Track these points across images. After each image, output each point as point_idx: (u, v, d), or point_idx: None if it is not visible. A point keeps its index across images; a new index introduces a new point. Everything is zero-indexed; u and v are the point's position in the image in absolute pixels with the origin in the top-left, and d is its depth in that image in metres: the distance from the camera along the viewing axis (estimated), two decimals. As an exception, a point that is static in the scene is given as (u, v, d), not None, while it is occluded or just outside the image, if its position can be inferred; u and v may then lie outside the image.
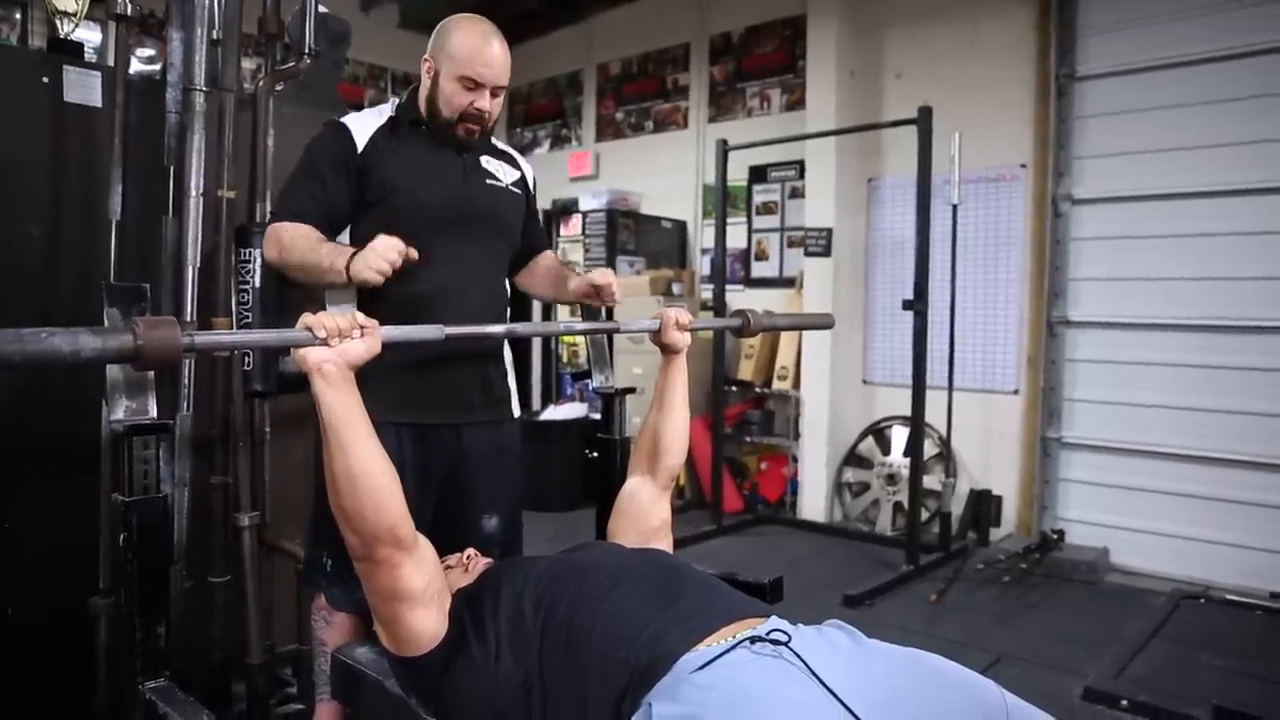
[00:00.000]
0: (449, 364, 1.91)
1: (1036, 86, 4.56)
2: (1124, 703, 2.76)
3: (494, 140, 2.11)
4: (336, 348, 1.38)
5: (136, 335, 1.17)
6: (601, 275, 1.94)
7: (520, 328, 1.78)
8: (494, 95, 1.91)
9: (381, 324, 1.50)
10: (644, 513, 1.83)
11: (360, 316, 1.43)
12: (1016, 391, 4.71)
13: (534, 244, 2.21)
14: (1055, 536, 4.32)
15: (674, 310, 1.94)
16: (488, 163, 2.03)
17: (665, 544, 1.82)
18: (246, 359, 2.23)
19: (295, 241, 1.78)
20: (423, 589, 1.43)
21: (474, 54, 1.84)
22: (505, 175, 2.05)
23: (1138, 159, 4.27)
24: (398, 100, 1.98)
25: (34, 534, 2.15)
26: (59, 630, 2.14)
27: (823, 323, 2.56)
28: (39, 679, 2.17)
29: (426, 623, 1.42)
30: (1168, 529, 4.21)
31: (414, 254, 1.69)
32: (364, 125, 1.90)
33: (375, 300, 1.77)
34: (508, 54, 1.90)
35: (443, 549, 1.74)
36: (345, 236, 1.90)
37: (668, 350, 1.95)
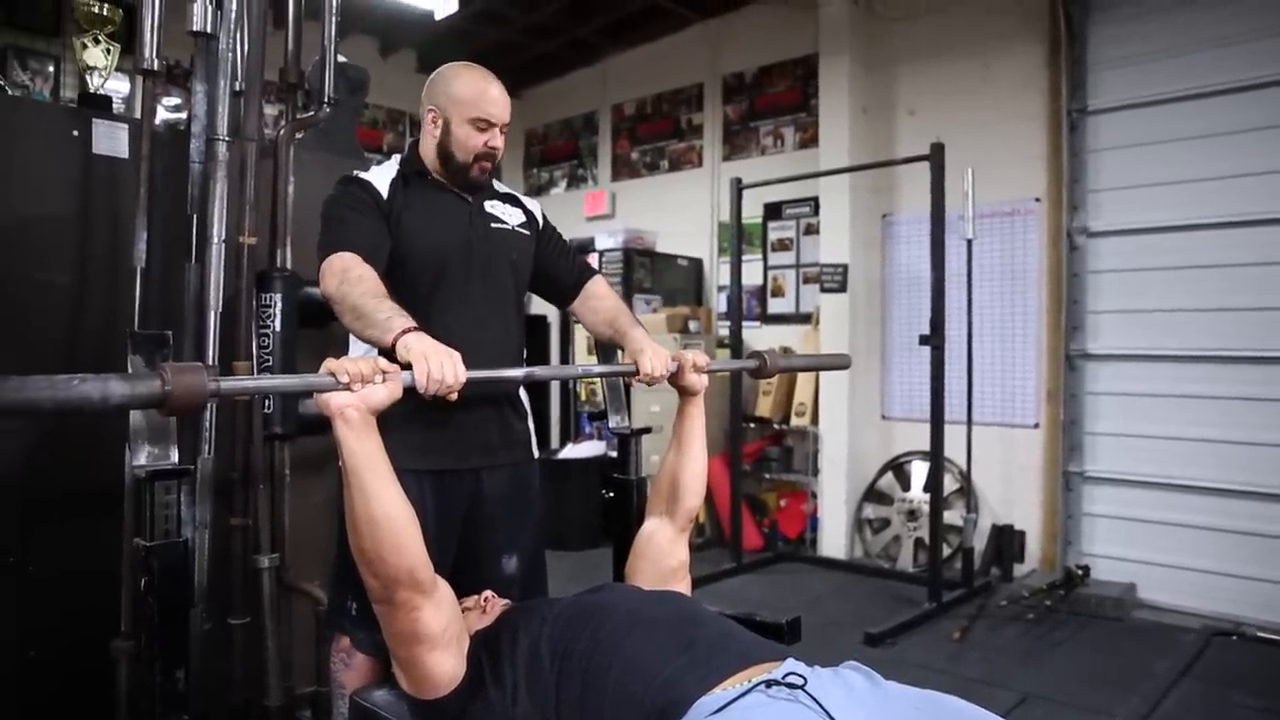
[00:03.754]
0: (468, 408, 1.91)
1: (1048, 121, 4.58)
2: (1154, 744, 2.70)
3: (495, 184, 2.13)
4: (359, 393, 1.38)
5: (165, 381, 1.18)
6: (646, 364, 1.88)
7: (539, 371, 1.79)
8: (501, 133, 1.97)
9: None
10: (662, 554, 1.83)
11: (382, 362, 1.43)
12: (1037, 425, 4.68)
13: (571, 274, 2.18)
14: (1080, 572, 4.25)
15: (691, 353, 1.95)
16: (492, 207, 2.05)
17: (684, 585, 1.82)
18: (266, 402, 2.26)
19: (360, 282, 1.70)
20: (441, 631, 1.44)
21: (480, 96, 1.92)
22: (511, 217, 2.07)
23: (1152, 191, 4.27)
24: (401, 157, 2.02)
25: (57, 577, 2.17)
26: (80, 673, 2.15)
27: (839, 363, 2.58)
28: (60, 723, 2.18)
29: (445, 665, 1.43)
30: (1196, 564, 4.13)
31: (454, 396, 1.53)
32: (381, 178, 1.94)
33: (390, 354, 1.75)
34: (506, 94, 1.97)
35: (463, 590, 1.74)
36: None
37: (685, 392, 1.95)
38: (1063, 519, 4.55)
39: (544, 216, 2.19)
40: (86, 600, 2.14)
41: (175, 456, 1.60)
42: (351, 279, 1.71)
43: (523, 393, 2.11)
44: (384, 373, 1.41)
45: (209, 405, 2.15)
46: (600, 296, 2.18)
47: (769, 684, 1.19)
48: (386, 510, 1.39)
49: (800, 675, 1.20)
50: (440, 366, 1.47)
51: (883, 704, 1.18)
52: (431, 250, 1.92)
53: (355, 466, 1.39)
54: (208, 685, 2.20)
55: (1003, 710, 1.22)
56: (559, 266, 2.17)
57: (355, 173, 1.96)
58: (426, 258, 1.91)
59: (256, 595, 2.32)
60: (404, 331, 1.55)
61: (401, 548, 1.39)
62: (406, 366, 1.48)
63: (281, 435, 2.30)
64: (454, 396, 1.51)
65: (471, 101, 1.91)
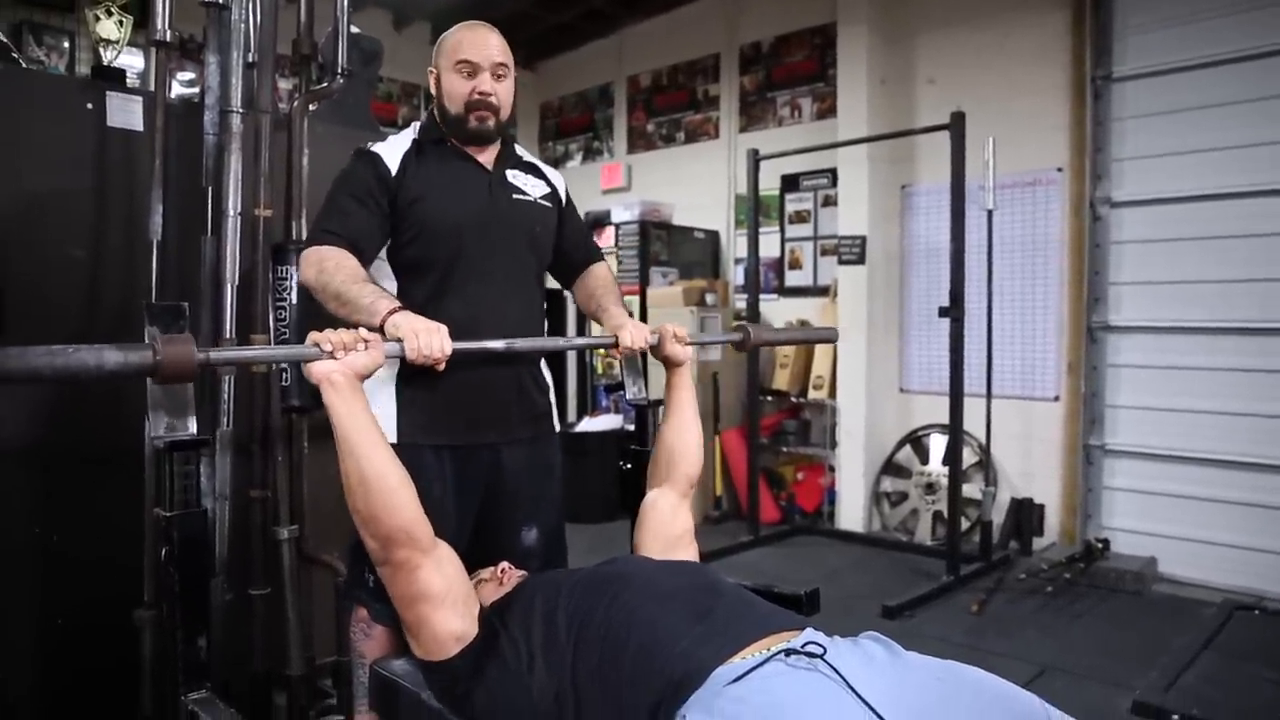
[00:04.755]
0: (488, 383, 1.91)
1: (1072, 89, 4.49)
2: (1175, 717, 2.69)
3: (520, 152, 2.10)
4: (342, 359, 1.47)
5: (156, 351, 1.26)
6: (626, 336, 1.96)
7: (519, 343, 1.81)
8: (497, 78, 1.90)
9: None
10: (664, 522, 1.84)
11: (363, 331, 1.52)
12: (1057, 398, 4.64)
13: (582, 255, 2.18)
14: (1100, 546, 4.22)
15: (670, 325, 2.02)
16: (514, 177, 2.01)
17: (690, 553, 1.81)
18: (284, 374, 2.26)
19: (339, 269, 1.74)
20: (444, 590, 1.46)
21: (463, 39, 1.89)
22: (533, 189, 2.03)
23: (1179, 160, 4.19)
24: (419, 124, 1.99)
25: (81, 547, 2.20)
26: (105, 642, 2.18)
27: (826, 337, 2.58)
28: (87, 690, 2.22)
29: (451, 623, 1.44)
30: (1218, 538, 4.10)
31: (442, 366, 1.64)
32: (393, 151, 1.90)
33: (381, 330, 1.79)
34: (502, 40, 1.91)
35: (484, 563, 1.76)
36: (385, 262, 1.91)
37: (669, 363, 2.02)
38: (1083, 492, 4.52)
39: (566, 192, 2.15)
40: (112, 570, 2.17)
41: (194, 428, 1.60)
42: (329, 268, 1.74)
43: (544, 366, 2.10)
44: (365, 341, 1.50)
45: (227, 377, 2.17)
46: (597, 276, 2.18)
47: (788, 653, 1.18)
48: (377, 470, 1.45)
49: (819, 644, 1.19)
50: (429, 341, 1.57)
51: (902, 674, 1.17)
52: (449, 222, 1.89)
53: (344, 429, 1.46)
54: (229, 654, 2.23)
55: (1021, 682, 1.21)
56: (575, 246, 2.16)
57: (368, 145, 1.94)
58: (444, 229, 1.88)
59: (277, 566, 2.33)
60: (390, 312, 1.63)
61: (394, 506, 1.44)
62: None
63: (299, 408, 2.30)
64: (440, 367, 1.61)
65: (453, 47, 1.89)
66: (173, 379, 1.31)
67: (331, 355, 1.47)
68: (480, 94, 1.88)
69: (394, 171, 1.87)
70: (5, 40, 2.16)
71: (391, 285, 1.91)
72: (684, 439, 1.94)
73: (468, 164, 1.95)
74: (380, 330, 1.61)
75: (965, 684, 1.17)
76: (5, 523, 2.07)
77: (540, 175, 2.09)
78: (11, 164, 2.08)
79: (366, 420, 1.48)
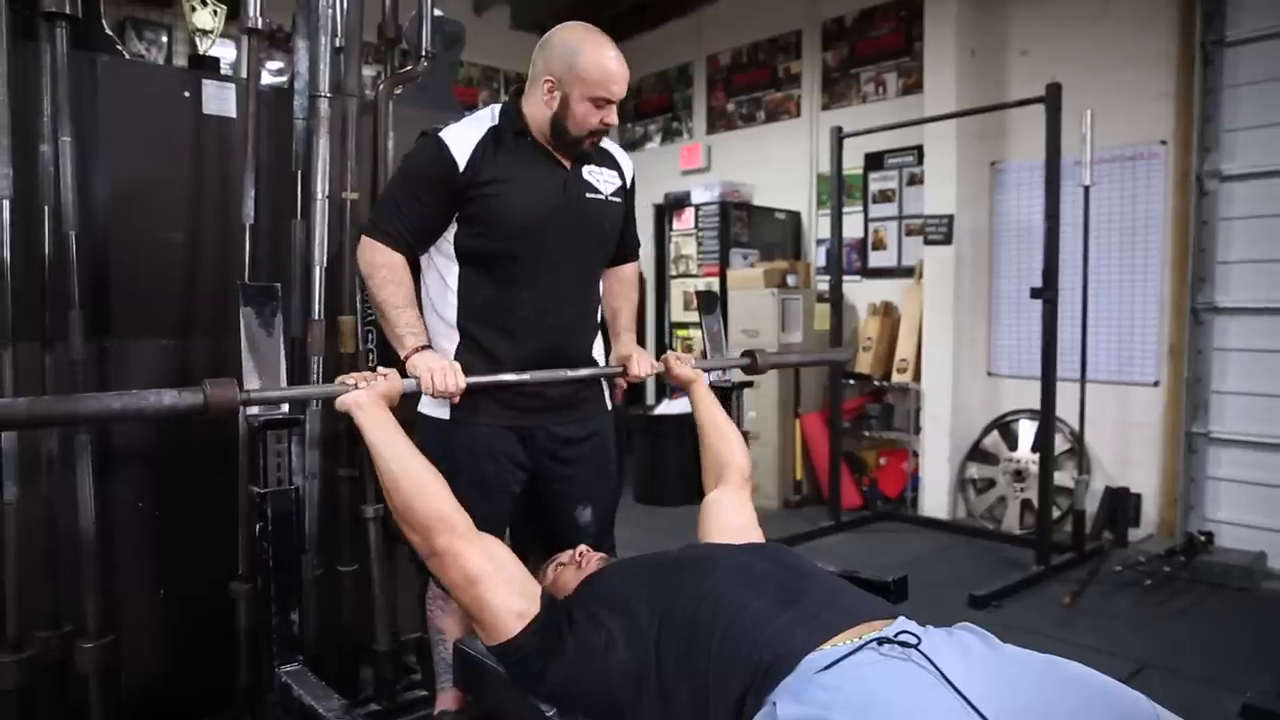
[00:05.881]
0: (540, 363, 1.95)
1: (1178, 56, 4.25)
2: (1288, 720, 2.54)
3: None
4: (365, 387, 1.66)
5: (206, 395, 1.47)
6: (634, 366, 2.11)
7: (536, 375, 1.92)
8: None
9: (481, 339, 1.90)
10: (728, 513, 1.86)
11: (381, 369, 1.75)
12: (1157, 383, 4.42)
13: (624, 248, 2.20)
14: (1203, 539, 4.02)
15: (670, 353, 2.21)
16: (590, 173, 1.99)
17: (759, 539, 1.81)
18: (371, 356, 2.31)
19: (386, 284, 1.87)
20: (493, 571, 1.48)
21: (606, 77, 1.84)
22: (606, 185, 2.02)
23: (1295, 130, 3.93)
24: (498, 108, 1.95)
25: (182, 522, 2.28)
26: (204, 613, 2.26)
27: (836, 358, 2.61)
28: (187, 660, 2.31)
29: (509, 601, 1.45)
30: (1333, 532, 3.87)
31: (457, 399, 1.84)
32: (464, 140, 1.87)
33: (469, 316, 1.92)
34: (625, 65, 1.89)
35: (539, 542, 1.79)
36: (450, 244, 1.93)
37: (684, 383, 2.18)
38: (1184, 482, 4.31)
39: (633, 180, 2.14)
40: (210, 544, 2.25)
41: (286, 408, 1.65)
42: (379, 279, 1.88)
43: (598, 346, 2.13)
44: (384, 375, 1.71)
45: (315, 359, 2.22)
46: (624, 282, 2.24)
47: (880, 641, 1.15)
48: (404, 466, 1.56)
49: (913, 634, 1.15)
50: (442, 379, 1.78)
51: (1000, 667, 1.12)
52: (521, 218, 1.88)
53: (373, 440, 1.59)
54: (319, 629, 2.29)
55: (1117, 680, 1.14)
56: (623, 234, 2.16)
57: (437, 130, 1.92)
58: (515, 225, 1.88)
59: (363, 543, 2.39)
60: (414, 350, 1.85)
61: (426, 493, 1.53)
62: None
63: (385, 388, 2.35)
64: (456, 400, 1.82)
65: (597, 81, 1.83)
66: (219, 416, 1.52)
67: (355, 386, 1.66)
68: (605, 125, 1.90)
69: (463, 162, 1.85)
70: (111, 33, 2.22)
71: (452, 269, 1.93)
72: (727, 443, 2.04)
73: (546, 160, 1.94)
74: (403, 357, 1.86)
75: (1068, 680, 1.11)
76: (112, 496, 2.16)
77: (614, 165, 2.08)
78: (116, 151, 2.15)
79: (392, 431, 1.61)
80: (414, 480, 1.54)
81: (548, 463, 2.01)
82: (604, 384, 2.15)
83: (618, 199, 2.06)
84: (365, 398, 1.63)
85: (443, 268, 1.94)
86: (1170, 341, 4.36)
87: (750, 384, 2.28)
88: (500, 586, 1.46)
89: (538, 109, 1.89)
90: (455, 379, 1.78)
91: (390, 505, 1.58)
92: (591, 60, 1.83)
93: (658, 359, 2.20)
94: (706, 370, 2.24)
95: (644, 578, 1.45)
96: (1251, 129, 4.08)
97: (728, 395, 2.25)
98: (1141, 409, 4.47)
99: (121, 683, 2.19)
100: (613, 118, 1.89)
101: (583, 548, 1.75)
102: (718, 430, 2.06)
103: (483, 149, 1.87)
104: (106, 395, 1.45)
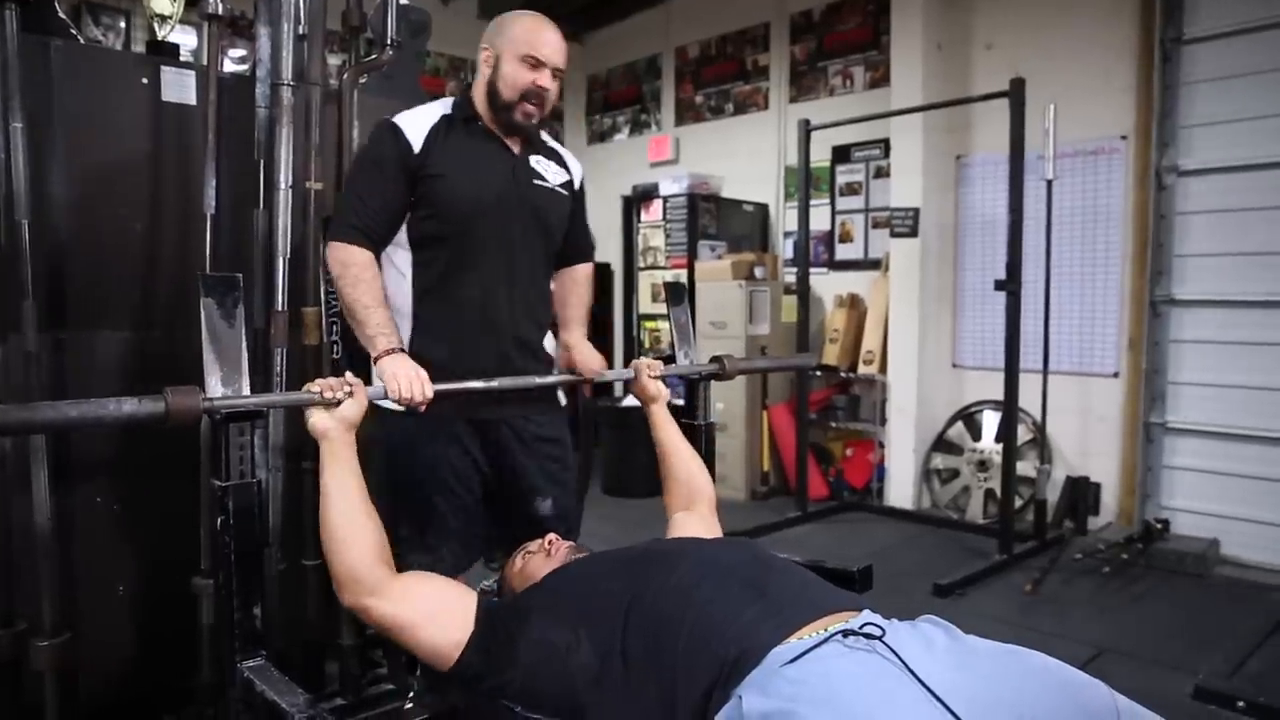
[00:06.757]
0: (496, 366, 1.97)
1: (1139, 52, 4.32)
2: (1240, 704, 2.61)
3: (545, 138, 2.14)
4: (336, 414, 1.58)
5: (168, 403, 1.42)
6: (583, 361, 2.11)
7: (502, 382, 1.92)
8: (554, 77, 1.95)
9: (433, 321, 1.91)
10: (697, 531, 1.87)
11: (349, 376, 1.64)
12: (1116, 374, 4.51)
13: (577, 250, 2.23)
14: (1160, 526, 4.12)
15: (643, 360, 2.15)
16: (537, 162, 2.06)
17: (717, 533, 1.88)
18: (335, 348, 2.28)
19: (358, 283, 1.85)
20: (413, 614, 1.46)
21: (534, 34, 1.91)
22: (553, 176, 2.08)
23: (1252, 126, 4.01)
24: (454, 99, 2.02)
25: (142, 517, 2.24)
26: (165, 609, 2.23)
27: (804, 363, 2.61)
28: (147, 655, 2.27)
29: (440, 637, 1.44)
30: (1285, 520, 3.96)
31: (424, 408, 1.78)
32: (417, 124, 1.93)
33: (421, 300, 1.93)
34: (564, 41, 1.96)
35: (502, 537, 1.77)
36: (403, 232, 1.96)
37: (647, 400, 2.13)
38: (1142, 471, 4.40)
39: (582, 182, 2.19)
40: (171, 539, 2.21)
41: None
42: (349, 278, 1.86)
43: (549, 342, 2.15)
44: (350, 385, 1.61)
45: (278, 351, 2.19)
46: (578, 281, 2.25)
47: (845, 634, 1.16)
48: (343, 519, 1.52)
49: (878, 626, 1.16)
50: (408, 387, 1.73)
51: (964, 658, 1.13)
52: (468, 200, 1.93)
53: (326, 483, 1.55)
54: (283, 623, 2.26)
55: (1077, 664, 1.17)
56: (574, 237, 2.20)
57: (392, 118, 1.96)
58: (462, 206, 1.92)
59: (329, 537, 2.36)
60: (384, 353, 1.80)
61: (349, 549, 1.49)
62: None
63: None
64: (423, 409, 1.77)
65: (524, 39, 1.91)
66: (179, 427, 1.46)
67: (322, 395, 1.57)
68: (539, 86, 1.92)
69: (417, 146, 1.90)
70: (65, 18, 2.17)
71: (407, 257, 1.96)
72: (691, 472, 2.03)
73: (495, 145, 1.99)
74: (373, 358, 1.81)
75: (1029, 670, 1.13)
76: (69, 491, 2.12)
77: (562, 163, 2.14)
78: (71, 138, 2.10)
79: (346, 476, 1.56)
80: (344, 534, 1.50)
81: (507, 457, 2.04)
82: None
83: (565, 191, 2.11)
84: (335, 431, 1.58)
85: (398, 257, 1.97)
86: (1130, 333, 4.44)
87: (718, 375, 2.29)
88: (426, 628, 1.45)
89: (480, 86, 1.97)
90: (423, 388, 1.75)
91: (321, 540, 1.56)
92: (522, 22, 1.94)
93: (628, 364, 2.21)
94: (676, 376, 2.23)
95: (614, 574, 1.45)
96: (1208, 125, 4.16)
97: (695, 386, 2.24)
98: (1102, 400, 4.55)
99: (80, 681, 2.15)
100: (545, 81, 1.93)
101: (552, 536, 1.74)
102: (683, 459, 2.05)
103: (435, 133, 1.93)
104: (64, 404, 1.39)
